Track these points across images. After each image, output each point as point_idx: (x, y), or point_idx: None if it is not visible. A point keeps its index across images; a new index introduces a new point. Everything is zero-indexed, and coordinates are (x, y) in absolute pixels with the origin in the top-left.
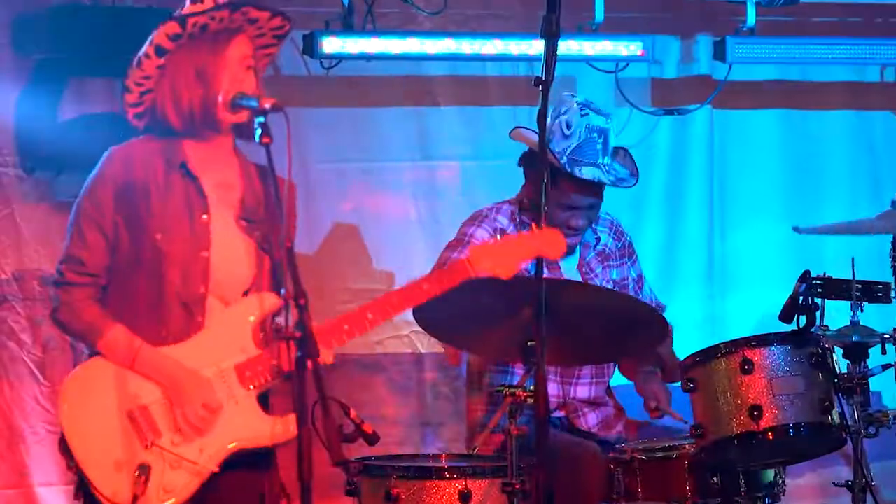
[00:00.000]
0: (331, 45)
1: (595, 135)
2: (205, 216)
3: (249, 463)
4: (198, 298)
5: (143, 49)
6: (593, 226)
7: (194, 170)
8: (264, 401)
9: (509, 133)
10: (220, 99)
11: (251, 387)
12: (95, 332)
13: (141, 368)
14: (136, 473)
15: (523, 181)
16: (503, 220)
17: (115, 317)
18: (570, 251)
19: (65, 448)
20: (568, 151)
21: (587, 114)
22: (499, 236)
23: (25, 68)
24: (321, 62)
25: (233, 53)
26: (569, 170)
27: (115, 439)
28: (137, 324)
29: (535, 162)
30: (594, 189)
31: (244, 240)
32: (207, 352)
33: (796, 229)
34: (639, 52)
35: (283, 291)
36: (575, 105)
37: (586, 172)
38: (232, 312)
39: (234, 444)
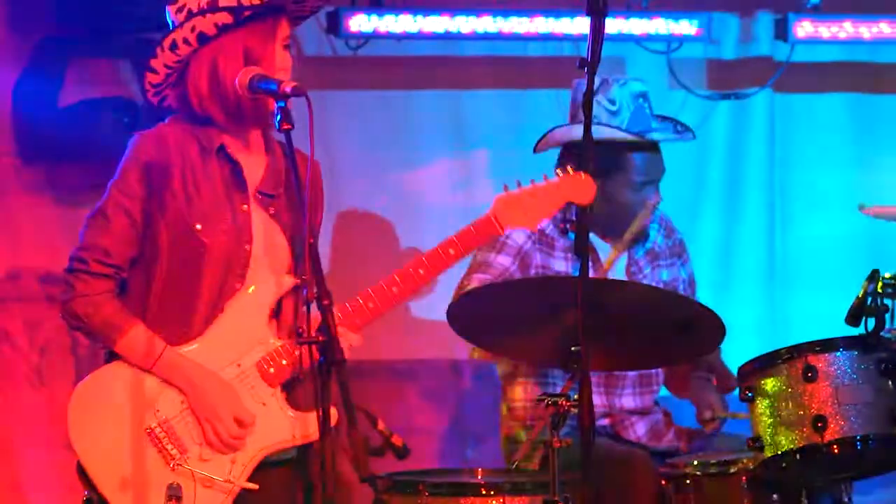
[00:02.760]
0: (357, 23)
1: (641, 100)
2: (245, 206)
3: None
4: (230, 295)
5: (180, 32)
6: None
7: (234, 154)
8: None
9: (535, 148)
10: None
11: (277, 384)
12: (116, 328)
13: (162, 372)
14: (167, 496)
15: None
16: (519, 237)
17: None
18: (645, 236)
19: (82, 473)
20: (625, 125)
21: (625, 83)
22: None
23: (24, 49)
24: (347, 42)
25: (279, 36)
26: (642, 137)
27: (137, 459)
28: (159, 322)
29: (582, 153)
30: (660, 157)
31: (273, 223)
32: (225, 349)
33: (861, 207)
34: (694, 31)
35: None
36: (609, 80)
37: (656, 135)
38: (244, 301)
39: (264, 452)
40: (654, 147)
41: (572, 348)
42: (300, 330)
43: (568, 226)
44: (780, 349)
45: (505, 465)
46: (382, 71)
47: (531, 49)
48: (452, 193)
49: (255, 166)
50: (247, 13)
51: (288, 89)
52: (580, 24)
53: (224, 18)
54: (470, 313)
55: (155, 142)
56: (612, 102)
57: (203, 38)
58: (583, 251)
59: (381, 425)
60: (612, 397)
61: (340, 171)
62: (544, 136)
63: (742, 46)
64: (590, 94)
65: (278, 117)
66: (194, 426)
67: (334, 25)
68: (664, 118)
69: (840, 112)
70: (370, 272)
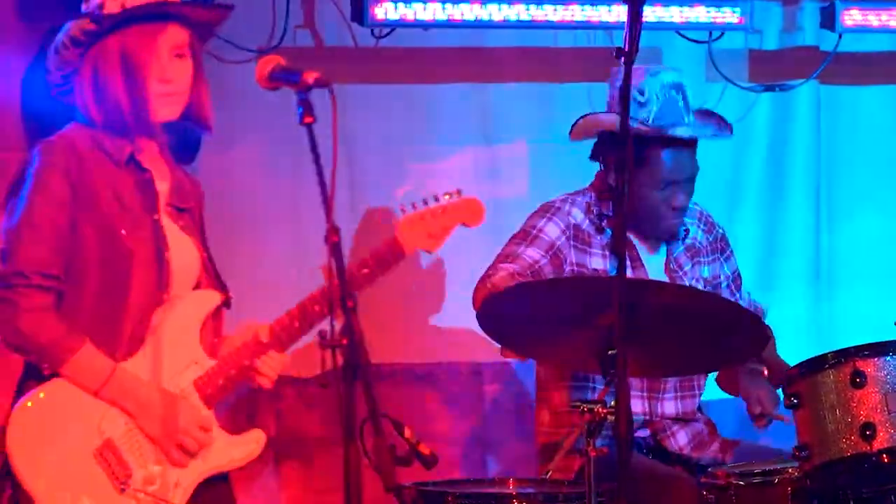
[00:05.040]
0: (383, 10)
1: (673, 92)
2: (157, 216)
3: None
4: (156, 305)
5: (60, 36)
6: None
7: (144, 162)
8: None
9: (570, 133)
10: (148, 95)
11: (213, 405)
12: (63, 349)
13: (110, 394)
14: None
15: (598, 169)
16: (578, 215)
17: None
18: (673, 237)
19: (26, 499)
20: (651, 118)
21: (657, 72)
22: (571, 233)
23: (34, 38)
24: (372, 31)
25: (164, 42)
26: (663, 134)
27: (86, 485)
28: (90, 337)
29: (615, 144)
30: (691, 155)
31: (185, 236)
32: (160, 368)
33: None
34: (735, 20)
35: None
36: (642, 70)
37: (680, 132)
38: (174, 318)
39: (205, 474)
40: (683, 144)
41: (609, 352)
42: (323, 333)
43: (604, 223)
44: (827, 353)
45: (538, 473)
46: (406, 63)
47: (562, 40)
48: (478, 189)
49: (161, 176)
50: (108, 22)
51: (310, 80)
52: (616, 13)
53: (87, 26)
54: (500, 314)
55: (66, 147)
56: (641, 93)
57: (76, 42)
58: (619, 249)
59: (407, 433)
60: (653, 402)
61: (361, 167)
62: (577, 122)
63: (786, 36)
64: (627, 86)
65: (300, 110)
66: (140, 446)
67: (358, 13)
68: (706, 112)
69: (889, 105)
70: (391, 276)
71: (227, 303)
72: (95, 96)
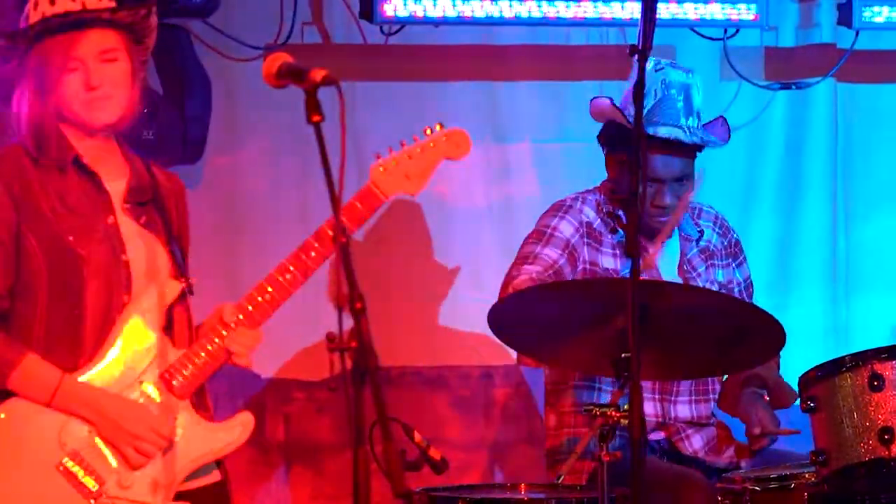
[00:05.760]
0: (392, 7)
1: (673, 91)
2: (111, 217)
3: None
4: (119, 310)
5: None
6: (696, 219)
7: (90, 164)
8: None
9: (589, 107)
10: (65, 114)
11: (186, 396)
12: (6, 363)
13: (62, 404)
14: None
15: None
16: (589, 213)
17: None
18: (657, 234)
19: None
20: (645, 111)
21: (662, 68)
22: (584, 230)
23: None
24: (381, 28)
25: (87, 49)
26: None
27: (53, 501)
28: (47, 348)
29: (613, 135)
30: (678, 155)
31: (147, 233)
32: (124, 369)
33: None
34: (751, 17)
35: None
36: (650, 63)
37: (662, 132)
38: (133, 314)
39: (186, 469)
40: (672, 144)
41: (622, 355)
42: (331, 335)
43: (615, 223)
44: (844, 356)
45: (546, 478)
46: (415, 61)
47: (574, 38)
48: (487, 187)
49: (116, 175)
50: (19, 37)
51: (318, 78)
52: (629, 10)
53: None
54: (511, 316)
55: (10, 157)
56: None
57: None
58: (633, 252)
59: (417, 437)
60: (666, 404)
61: (369, 166)
62: (593, 100)
63: (802, 33)
64: (641, 83)
65: (307, 108)
66: (107, 453)
67: (367, 10)
68: (717, 121)
69: None
70: (401, 275)
71: (188, 290)
72: (18, 110)
